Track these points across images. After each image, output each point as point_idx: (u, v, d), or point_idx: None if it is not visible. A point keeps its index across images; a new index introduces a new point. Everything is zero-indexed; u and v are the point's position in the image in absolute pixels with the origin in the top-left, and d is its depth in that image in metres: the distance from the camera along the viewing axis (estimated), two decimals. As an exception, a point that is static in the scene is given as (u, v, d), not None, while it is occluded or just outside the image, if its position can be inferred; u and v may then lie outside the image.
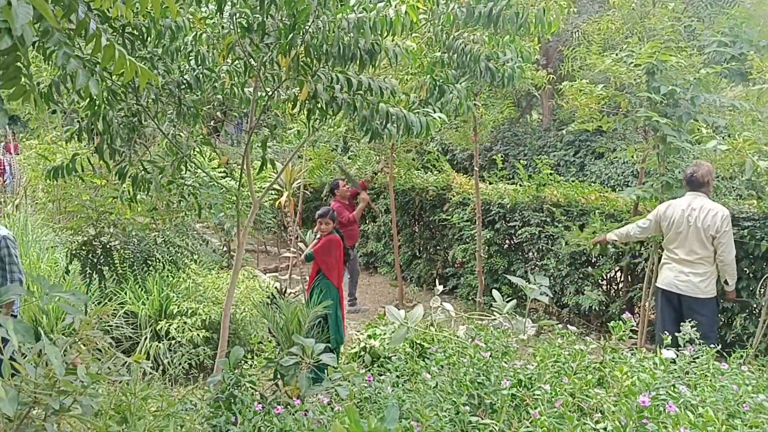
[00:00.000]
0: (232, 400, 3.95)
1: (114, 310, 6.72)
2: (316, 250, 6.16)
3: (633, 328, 3.91)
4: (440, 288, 4.66)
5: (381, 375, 3.80)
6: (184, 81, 4.21)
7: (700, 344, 3.74)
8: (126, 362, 5.80)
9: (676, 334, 3.84)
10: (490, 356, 3.36)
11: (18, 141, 12.11)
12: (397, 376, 3.63)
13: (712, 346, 3.74)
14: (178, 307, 6.70)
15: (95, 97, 3.95)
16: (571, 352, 3.54)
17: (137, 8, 3.16)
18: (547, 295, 4.51)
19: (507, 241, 8.97)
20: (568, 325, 7.70)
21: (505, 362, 3.37)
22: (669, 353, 3.29)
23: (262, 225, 10.26)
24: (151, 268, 4.65)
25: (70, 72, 2.23)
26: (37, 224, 7.98)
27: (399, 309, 8.29)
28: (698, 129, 5.12)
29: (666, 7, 5.82)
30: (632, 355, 3.85)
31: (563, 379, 3.19)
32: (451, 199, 9.44)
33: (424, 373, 3.20)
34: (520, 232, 8.39)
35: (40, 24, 2.25)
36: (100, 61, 2.59)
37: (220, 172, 9.61)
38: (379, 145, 9.10)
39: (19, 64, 2.46)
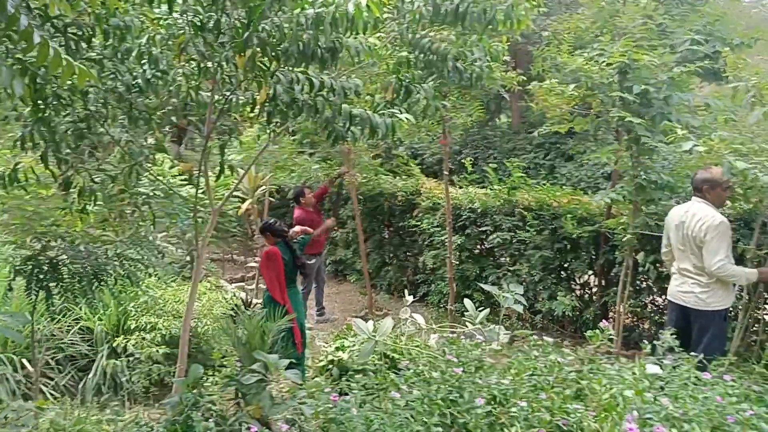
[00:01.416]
0: (190, 423, 3.75)
1: (68, 325, 6.46)
2: (260, 265, 6.09)
3: (610, 336, 3.81)
4: (410, 299, 4.52)
5: (350, 390, 3.63)
6: (134, 84, 4.00)
7: (704, 357, 3.60)
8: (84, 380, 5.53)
9: (660, 343, 3.73)
10: (463, 371, 3.22)
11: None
12: (365, 394, 3.46)
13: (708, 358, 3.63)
14: (136, 322, 6.47)
15: (38, 102, 3.73)
16: (548, 364, 3.41)
17: (81, 7, 2.96)
18: (521, 304, 4.39)
19: (478, 247, 8.90)
20: (543, 334, 7.69)
21: (479, 378, 3.23)
22: (654, 368, 3.17)
23: (227, 233, 10.01)
24: (102, 283, 4.41)
25: (-10, 70, 2.03)
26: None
27: (368, 319, 8.16)
28: (672, 129, 5.05)
29: (637, 5, 5.76)
30: (611, 364, 3.74)
31: (540, 394, 3.06)
32: (420, 204, 9.34)
33: (393, 392, 3.03)
34: (491, 237, 8.31)
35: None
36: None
37: (182, 180, 9.39)
38: (339, 149, 8.94)
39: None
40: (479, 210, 8.54)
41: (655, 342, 3.86)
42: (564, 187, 10.02)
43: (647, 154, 5.57)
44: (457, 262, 8.56)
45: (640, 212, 5.87)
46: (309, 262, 8.68)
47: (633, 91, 5.37)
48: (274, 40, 3.48)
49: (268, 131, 4.25)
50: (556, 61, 6.48)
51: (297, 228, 6.52)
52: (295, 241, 6.39)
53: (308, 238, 6.50)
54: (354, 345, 5.55)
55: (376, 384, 3.73)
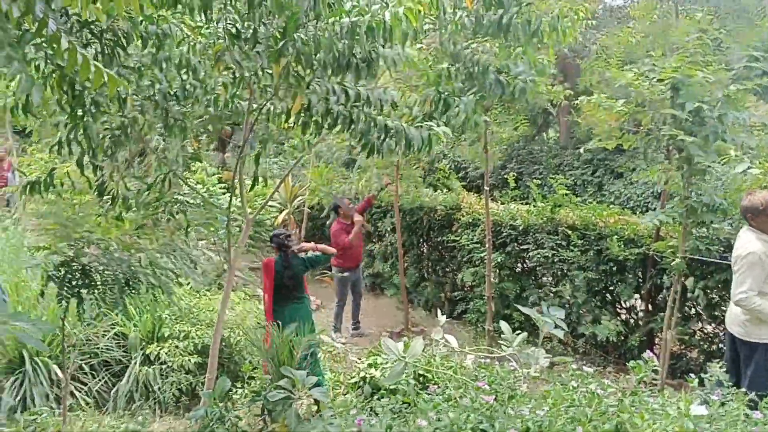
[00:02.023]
0: (214, 439, 3.70)
1: (104, 330, 6.52)
2: None
3: (654, 367, 3.62)
4: (443, 319, 4.39)
5: (375, 414, 3.52)
6: (171, 93, 4.00)
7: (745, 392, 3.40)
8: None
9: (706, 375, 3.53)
10: (495, 400, 3.08)
11: (21, 155, 12.03)
12: (393, 418, 3.35)
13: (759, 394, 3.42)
14: (170, 330, 6.49)
15: (75, 108, 3.75)
16: (587, 395, 3.24)
17: (116, 12, 2.94)
18: (562, 330, 4.23)
19: (519, 265, 8.72)
20: (585, 359, 7.45)
21: (512, 407, 3.08)
22: (700, 409, 2.98)
23: (263, 243, 10.04)
24: (133, 291, 4.41)
25: (11, 75, 2.01)
26: (32, 241, 7.81)
27: (404, 335, 8.07)
28: (725, 150, 4.83)
29: (691, 19, 5.55)
30: (654, 397, 3.55)
31: (577, 429, 2.89)
32: (460, 219, 9.20)
33: (420, 420, 2.91)
34: (532, 255, 8.13)
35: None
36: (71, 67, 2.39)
37: (222, 188, 9.47)
38: (385, 161, 8.88)
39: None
40: (521, 227, 8.36)
41: (702, 375, 3.65)
42: (612, 205, 9.78)
43: (699, 175, 5.34)
44: (497, 281, 8.40)
45: (690, 235, 5.64)
46: (342, 274, 8.62)
47: (686, 108, 5.16)
48: (310, 50, 3.43)
49: (303, 141, 4.19)
50: (605, 75, 6.31)
51: (307, 245, 6.46)
52: (302, 256, 6.30)
53: (323, 257, 6.38)
54: (387, 363, 5.44)
55: (406, 408, 3.62)
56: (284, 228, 10.60)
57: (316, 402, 4.80)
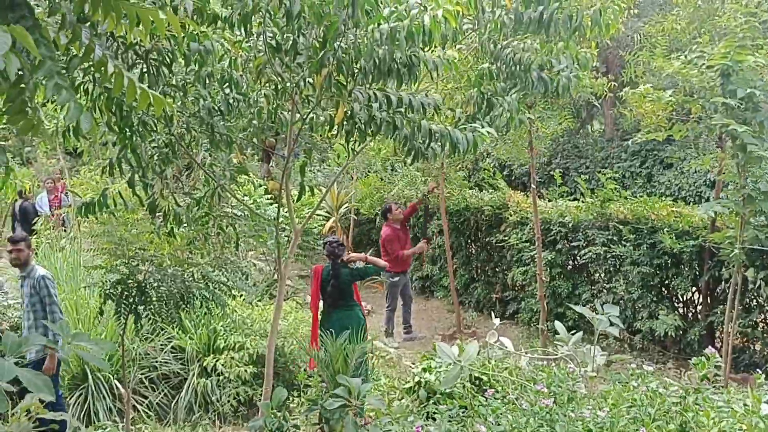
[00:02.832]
0: (273, 449, 3.72)
1: (161, 344, 6.65)
2: None
3: (717, 363, 3.50)
4: (497, 321, 4.34)
5: (432, 421, 3.50)
6: (215, 108, 4.05)
7: None
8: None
9: None
10: (554, 402, 3.01)
11: (71, 176, 12.38)
12: (450, 423, 3.31)
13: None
14: (225, 342, 6.58)
15: (124, 129, 3.84)
16: (648, 394, 3.15)
17: (159, 32, 3.00)
18: (617, 327, 4.13)
19: (570, 263, 8.61)
20: (643, 356, 7.29)
21: (572, 410, 3.01)
22: (769, 408, 2.87)
23: (312, 251, 10.12)
24: (188, 305, 4.48)
25: (60, 104, 2.05)
26: (87, 260, 8.02)
27: (456, 337, 8.02)
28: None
29: (738, 3, 5.37)
30: (719, 394, 3.43)
31: (640, 429, 2.81)
32: (508, 218, 9.11)
33: (478, 425, 2.87)
34: (584, 252, 8.00)
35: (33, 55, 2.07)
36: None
37: (268, 200, 9.56)
38: (428, 166, 8.86)
39: (24, 97, 2.32)
40: (570, 224, 8.25)
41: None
42: (663, 197, 9.56)
43: (755, 163, 5.15)
44: (548, 279, 8.29)
45: (748, 225, 5.45)
46: (393, 279, 8.62)
47: (737, 95, 4.99)
48: (350, 58, 3.43)
49: (347, 150, 4.19)
50: (650, 65, 6.16)
51: (356, 255, 6.47)
52: (351, 267, 6.30)
53: (372, 269, 6.40)
54: (441, 366, 5.41)
55: (463, 412, 3.58)
56: (332, 235, 10.68)
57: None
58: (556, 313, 8.38)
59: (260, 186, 9.85)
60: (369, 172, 10.80)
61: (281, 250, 4.72)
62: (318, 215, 10.16)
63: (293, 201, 5.24)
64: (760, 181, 5.26)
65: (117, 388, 6.03)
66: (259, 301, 7.76)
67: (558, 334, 4.93)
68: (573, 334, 4.74)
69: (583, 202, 8.38)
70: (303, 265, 11.57)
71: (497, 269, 9.82)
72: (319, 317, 6.14)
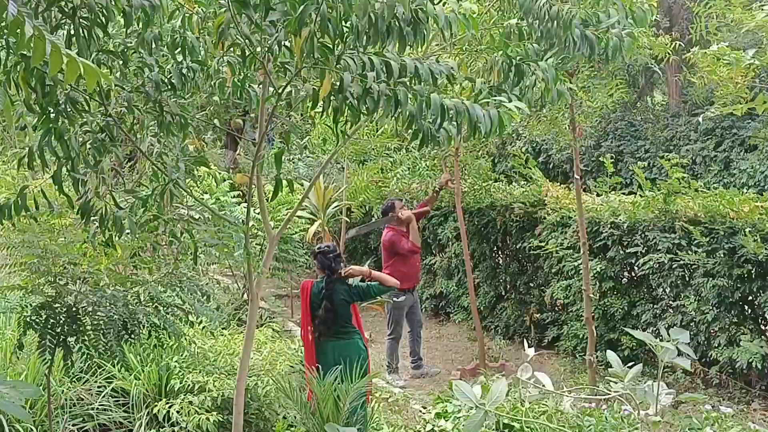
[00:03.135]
0: None
1: (99, 386, 6.65)
2: None
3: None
4: (531, 351, 4.33)
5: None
6: (165, 80, 4.06)
7: None
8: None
9: None
10: (607, 457, 3.01)
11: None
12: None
13: None
14: (181, 382, 6.58)
15: (47, 109, 3.84)
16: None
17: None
18: (687, 357, 4.13)
19: (625, 274, 8.63)
20: (720, 393, 7.29)
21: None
22: None
23: (292, 264, 10.14)
24: (133, 336, 4.49)
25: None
26: (1, 278, 8.03)
27: (479, 372, 8.03)
28: None
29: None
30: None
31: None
32: (544, 218, 9.12)
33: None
34: (643, 261, 8.01)
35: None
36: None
37: (235, 198, 9.59)
38: (439, 151, 8.87)
39: None
40: (625, 225, 8.27)
41: None
42: (745, 188, 9.58)
43: None
44: (597, 296, 8.31)
45: None
46: (397, 299, 8.64)
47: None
48: (338, 14, 3.43)
49: (336, 133, 4.19)
50: (726, 18, 6.18)
51: (357, 269, 6.42)
52: (350, 283, 6.29)
53: (377, 289, 6.32)
54: (460, 411, 5.42)
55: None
56: (323, 243, 10.72)
57: None
58: (607, 340, 8.38)
59: (224, 180, 9.88)
60: (365, 161, 10.79)
61: (252, 262, 4.72)
62: (299, 217, 10.18)
63: (267, 199, 5.24)
64: None
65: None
66: (225, 329, 7.77)
67: (611, 367, 4.93)
68: (630, 367, 4.74)
69: (641, 196, 8.38)
70: (281, 281, 11.59)
71: (531, 284, 9.83)
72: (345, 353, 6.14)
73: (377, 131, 9.50)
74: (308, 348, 6.15)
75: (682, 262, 7.71)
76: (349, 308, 6.24)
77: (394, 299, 8.67)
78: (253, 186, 4.64)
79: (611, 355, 4.46)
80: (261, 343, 7.42)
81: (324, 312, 6.12)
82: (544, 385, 4.29)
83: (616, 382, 4.63)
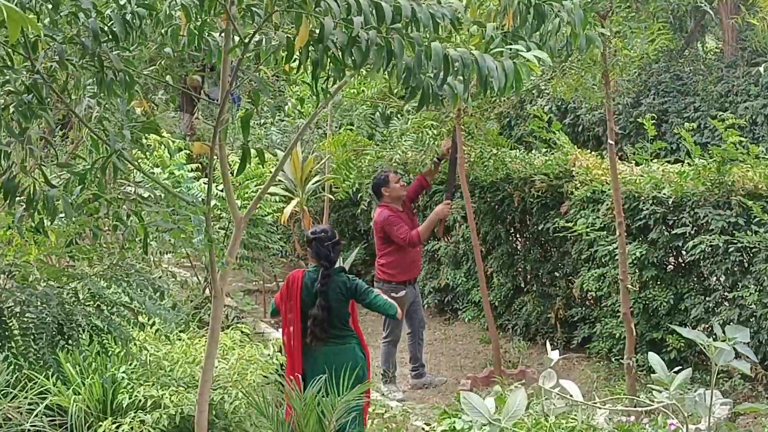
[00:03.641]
0: None
1: (31, 403, 6.67)
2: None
3: None
4: (556, 355, 4.34)
5: None
6: (105, 28, 4.04)
7: None
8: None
9: None
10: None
11: None
12: None
13: None
14: (130, 397, 6.59)
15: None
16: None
17: None
18: (747, 360, 4.17)
19: (671, 260, 8.63)
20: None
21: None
22: None
23: (265, 252, 10.14)
24: (71, 341, 4.50)
25: None
26: None
27: (494, 382, 8.07)
28: None
29: None
30: None
31: None
32: (572, 193, 9.11)
33: None
34: (692, 244, 8.04)
35: None
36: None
37: (193, 172, 9.58)
38: (439, 113, 8.85)
39: None
40: (670, 200, 8.28)
41: None
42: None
43: None
44: (636, 287, 8.32)
45: None
46: (396, 295, 8.65)
47: None
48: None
49: (316, 91, 4.20)
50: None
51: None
52: (349, 279, 6.32)
53: (374, 303, 6.33)
54: (470, 428, 5.46)
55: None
56: (295, 225, 10.72)
57: None
58: (649, 339, 8.42)
59: (180, 151, 9.85)
60: (350, 124, 10.74)
61: (215, 251, 4.73)
62: (272, 194, 10.16)
63: (232, 173, 5.23)
64: None
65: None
66: (183, 332, 7.78)
67: (653, 372, 4.95)
68: (677, 373, 4.77)
69: (689, 164, 8.40)
70: (250, 274, 11.60)
71: (556, 274, 9.89)
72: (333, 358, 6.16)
73: (360, 91, 9.48)
74: (291, 354, 6.15)
75: (739, 244, 7.74)
76: (347, 306, 6.25)
77: (393, 294, 8.69)
78: (215, 157, 4.65)
79: (654, 358, 4.49)
80: (227, 348, 7.43)
81: (320, 311, 6.12)
82: (572, 396, 4.32)
83: (660, 391, 4.66)
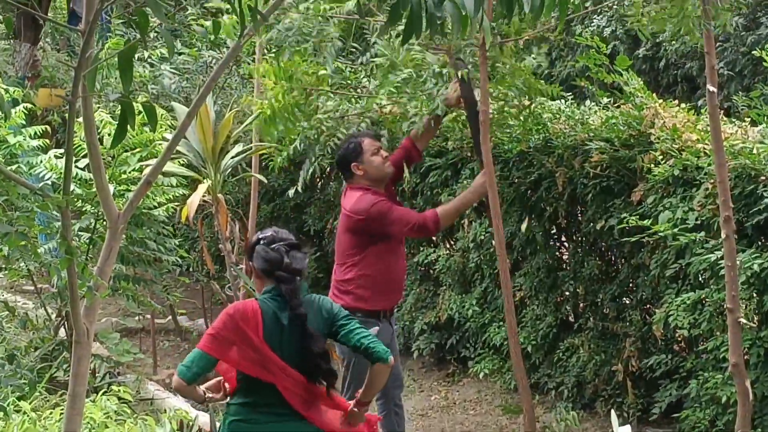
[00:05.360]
0: None
1: None
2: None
3: None
4: (627, 431, 4.42)
5: None
6: None
7: None
8: None
9: None
10: None
11: None
12: None
13: None
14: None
15: None
16: None
17: None
18: None
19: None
20: None
21: None
22: None
23: (154, 268, 10.16)
24: None
25: None
26: None
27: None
28: None
29: None
30: None
31: None
32: (650, 171, 9.14)
33: None
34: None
35: None
36: None
37: (38, 138, 9.59)
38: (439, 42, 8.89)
39: None
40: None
41: None
42: None
43: None
44: (755, 322, 8.35)
45: None
46: (370, 330, 8.68)
47: None
48: None
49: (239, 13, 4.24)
50: None
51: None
52: (330, 308, 6.37)
53: (373, 350, 6.34)
54: None
55: None
56: (200, 224, 10.79)
57: None
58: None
59: (16, 104, 9.84)
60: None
61: (77, 267, 4.75)
62: (166, 175, 10.16)
63: (103, 142, 5.25)
64: None
65: None
66: (23, 398, 7.80)
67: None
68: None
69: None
70: (131, 302, 11.61)
71: (626, 300, 9.95)
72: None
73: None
74: None
75: None
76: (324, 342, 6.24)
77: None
78: (76, 116, 4.66)
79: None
80: (98, 425, 7.46)
81: (319, 342, 6.08)
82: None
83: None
